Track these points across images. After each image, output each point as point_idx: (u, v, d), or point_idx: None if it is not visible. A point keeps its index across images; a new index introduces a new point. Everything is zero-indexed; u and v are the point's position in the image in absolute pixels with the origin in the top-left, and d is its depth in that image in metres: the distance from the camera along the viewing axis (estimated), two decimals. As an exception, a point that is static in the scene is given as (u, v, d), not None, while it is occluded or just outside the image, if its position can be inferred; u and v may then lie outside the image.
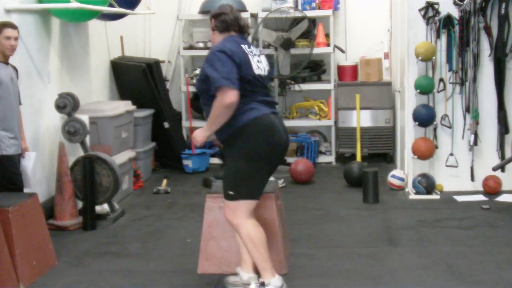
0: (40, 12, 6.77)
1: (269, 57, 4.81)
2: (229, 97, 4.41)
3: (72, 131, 6.72)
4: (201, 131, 4.65)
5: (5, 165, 5.64)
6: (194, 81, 9.45)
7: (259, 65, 4.68)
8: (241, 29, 4.74)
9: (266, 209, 5.18)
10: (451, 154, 7.61)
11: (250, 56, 4.63)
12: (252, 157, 4.56)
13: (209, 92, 4.53)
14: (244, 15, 9.23)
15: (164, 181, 8.30)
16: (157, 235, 6.42)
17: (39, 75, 6.76)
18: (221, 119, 4.50)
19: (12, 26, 5.66)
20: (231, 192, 4.62)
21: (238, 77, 4.48)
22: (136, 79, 8.71)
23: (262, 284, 4.69)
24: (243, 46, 4.65)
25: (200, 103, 4.81)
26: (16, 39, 5.65)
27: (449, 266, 5.32)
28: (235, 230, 4.72)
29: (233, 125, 4.55)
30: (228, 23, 4.70)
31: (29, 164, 5.92)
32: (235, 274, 5.00)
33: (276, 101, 4.84)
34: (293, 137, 9.53)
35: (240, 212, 4.64)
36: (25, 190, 5.84)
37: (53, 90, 6.95)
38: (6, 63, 5.68)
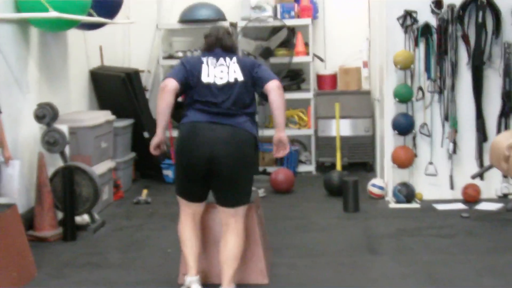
0: (19, 21, 6.72)
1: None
2: (164, 82, 4.88)
3: (52, 141, 6.67)
4: None
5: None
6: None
7: (216, 74, 4.87)
8: (224, 48, 4.99)
9: (247, 218, 5.16)
10: (431, 163, 7.66)
11: (206, 66, 4.89)
12: (176, 158, 4.91)
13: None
14: (223, 23, 9.25)
15: (145, 191, 8.27)
16: (137, 245, 6.40)
17: (17, 84, 6.71)
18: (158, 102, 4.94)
19: None
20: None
21: (183, 78, 4.87)
22: (116, 89, 8.67)
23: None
24: (205, 58, 4.94)
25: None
26: None
27: (429, 274, 5.34)
28: None
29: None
30: (209, 44, 5.02)
31: (15, 172, 5.86)
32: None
33: (228, 112, 4.84)
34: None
35: (180, 206, 5.05)
36: (9, 200, 5.78)
37: (31, 100, 6.91)
38: None
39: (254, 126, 4.97)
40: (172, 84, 4.82)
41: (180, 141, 4.88)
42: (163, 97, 4.84)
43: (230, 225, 4.90)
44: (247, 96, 4.93)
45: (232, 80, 4.86)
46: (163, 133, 4.96)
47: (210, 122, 4.81)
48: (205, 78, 4.85)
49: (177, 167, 4.89)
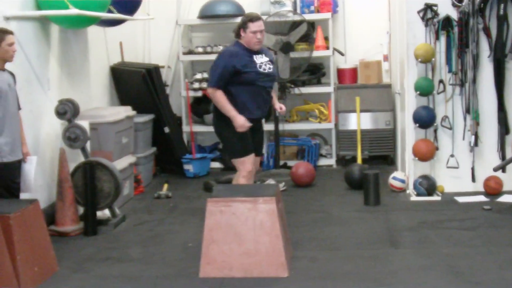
0: (39, 19, 6.77)
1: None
2: None
3: (73, 137, 6.72)
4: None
5: (3, 172, 5.61)
6: (195, 85, 9.49)
7: None
8: None
9: (268, 212, 5.18)
10: (452, 155, 7.62)
11: None
12: None
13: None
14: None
15: (165, 186, 8.31)
16: (158, 239, 6.42)
17: (38, 81, 6.76)
18: None
19: (12, 32, 5.68)
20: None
21: None
22: (136, 85, 8.71)
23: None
24: None
25: (268, 88, 6.38)
26: (15, 44, 5.67)
27: (451, 267, 5.31)
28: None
29: None
30: None
31: (31, 168, 5.90)
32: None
33: None
34: (294, 140, 9.54)
35: (244, 169, 6.32)
36: (27, 195, 5.84)
37: (53, 96, 6.96)
38: (3, 69, 5.66)
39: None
40: None
41: None
42: None
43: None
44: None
45: None
46: None
47: None
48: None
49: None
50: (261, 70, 6.24)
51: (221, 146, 9.41)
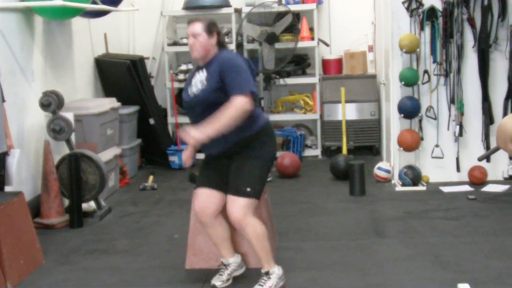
0: (23, 10, 6.73)
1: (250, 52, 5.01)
2: (250, 103, 4.55)
3: (57, 129, 6.69)
4: (203, 131, 4.51)
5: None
6: (180, 76, 9.45)
7: None
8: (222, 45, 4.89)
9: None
10: (437, 146, 7.65)
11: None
12: (270, 158, 4.84)
13: (222, 100, 4.56)
14: (227, 10, 9.26)
15: (151, 178, 8.29)
16: (144, 231, 6.42)
17: (22, 73, 6.72)
18: (235, 123, 4.54)
19: None
20: (249, 189, 4.66)
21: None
22: (121, 76, 8.68)
23: (267, 273, 4.78)
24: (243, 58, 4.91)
25: (195, 111, 4.73)
26: None
27: (436, 256, 5.34)
28: (241, 228, 4.69)
29: (250, 128, 4.68)
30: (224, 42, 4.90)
31: (13, 161, 5.86)
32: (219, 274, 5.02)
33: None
34: (279, 131, 9.54)
35: (251, 210, 4.71)
36: (8, 188, 5.81)
37: (37, 88, 6.92)
38: None
39: None
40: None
41: (275, 138, 4.97)
42: (242, 117, 4.55)
43: None
44: None
45: None
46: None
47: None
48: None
49: (272, 163, 4.93)
50: (189, 92, 4.79)
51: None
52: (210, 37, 4.73)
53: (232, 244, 5.08)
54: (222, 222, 4.91)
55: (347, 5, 9.89)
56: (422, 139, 7.64)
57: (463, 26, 7.42)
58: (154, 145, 9.07)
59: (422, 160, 7.72)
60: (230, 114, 4.50)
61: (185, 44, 9.48)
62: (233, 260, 5.04)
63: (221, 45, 4.82)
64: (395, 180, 7.68)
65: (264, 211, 5.25)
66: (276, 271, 4.80)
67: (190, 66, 9.36)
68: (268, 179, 7.88)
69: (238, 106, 4.50)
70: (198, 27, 4.71)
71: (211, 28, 4.75)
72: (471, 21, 7.39)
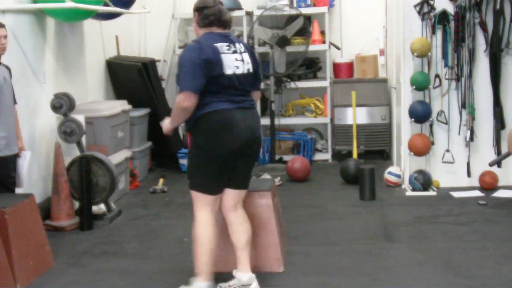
0: (35, 12, 6.75)
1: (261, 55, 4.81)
2: (188, 101, 4.48)
3: (68, 131, 6.70)
4: (167, 122, 4.83)
5: (-1, 166, 5.60)
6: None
7: (237, 64, 4.62)
8: (223, 24, 4.69)
9: (263, 207, 5.18)
10: (448, 150, 7.62)
11: (223, 56, 4.56)
12: (201, 151, 4.65)
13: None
14: (239, 13, 9.24)
15: (161, 181, 8.29)
16: (154, 234, 6.42)
17: (34, 75, 6.75)
18: (179, 119, 4.67)
19: (1, 25, 5.58)
20: (188, 181, 4.78)
21: (204, 80, 4.48)
22: (132, 79, 8.69)
23: (188, 283, 4.78)
24: (218, 44, 4.58)
25: None
26: (5, 37, 5.56)
27: (446, 261, 5.32)
28: None
29: (192, 117, 4.61)
30: (210, 19, 4.64)
31: (25, 163, 5.88)
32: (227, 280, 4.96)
33: (250, 101, 4.77)
34: (289, 135, 9.54)
35: (197, 203, 4.75)
36: (18, 190, 5.82)
37: (48, 90, 6.95)
38: None
39: None
40: (194, 103, 4.49)
41: (216, 130, 4.56)
42: (183, 114, 4.57)
43: (239, 209, 4.86)
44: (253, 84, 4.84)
45: (246, 71, 4.68)
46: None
47: (239, 108, 4.64)
48: (228, 70, 4.57)
49: (208, 157, 4.60)
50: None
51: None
52: (194, 20, 4.72)
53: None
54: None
55: (358, 9, 9.88)
56: (433, 143, 7.61)
57: (475, 30, 7.39)
58: (164, 148, 9.07)
59: (432, 165, 7.70)
60: (173, 111, 4.67)
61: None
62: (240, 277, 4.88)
63: (204, 25, 4.66)
64: (406, 184, 7.65)
65: (274, 215, 5.23)
66: (199, 285, 4.71)
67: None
68: (278, 183, 7.98)
69: (176, 103, 4.58)
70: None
71: (194, 8, 4.72)
72: (483, 25, 7.37)
